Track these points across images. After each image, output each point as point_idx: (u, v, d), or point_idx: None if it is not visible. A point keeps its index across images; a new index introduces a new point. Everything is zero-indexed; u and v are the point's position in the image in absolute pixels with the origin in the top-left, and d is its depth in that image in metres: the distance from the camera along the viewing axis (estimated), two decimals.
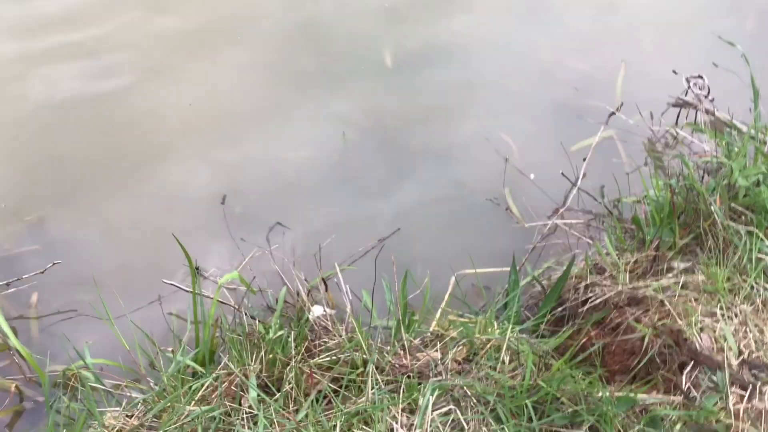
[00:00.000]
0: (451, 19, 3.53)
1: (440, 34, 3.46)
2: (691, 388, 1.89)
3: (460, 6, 3.59)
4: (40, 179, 2.91)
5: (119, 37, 3.43)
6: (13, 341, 2.31)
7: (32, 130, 3.07)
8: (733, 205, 2.25)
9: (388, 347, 2.00)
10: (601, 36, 3.49)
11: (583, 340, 2.13)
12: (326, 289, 2.38)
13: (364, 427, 1.75)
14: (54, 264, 2.50)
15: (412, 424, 1.76)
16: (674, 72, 3.12)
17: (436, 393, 1.81)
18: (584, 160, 2.92)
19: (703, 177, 2.43)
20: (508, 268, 2.39)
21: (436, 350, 1.98)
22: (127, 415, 1.95)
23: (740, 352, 1.93)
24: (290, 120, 3.11)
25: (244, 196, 2.87)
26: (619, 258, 2.30)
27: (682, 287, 2.08)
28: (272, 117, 3.12)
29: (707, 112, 2.96)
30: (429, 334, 2.11)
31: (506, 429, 1.75)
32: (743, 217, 2.25)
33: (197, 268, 2.51)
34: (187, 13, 3.53)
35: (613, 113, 3.06)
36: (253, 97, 3.23)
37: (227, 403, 1.84)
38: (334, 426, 1.75)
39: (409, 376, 1.90)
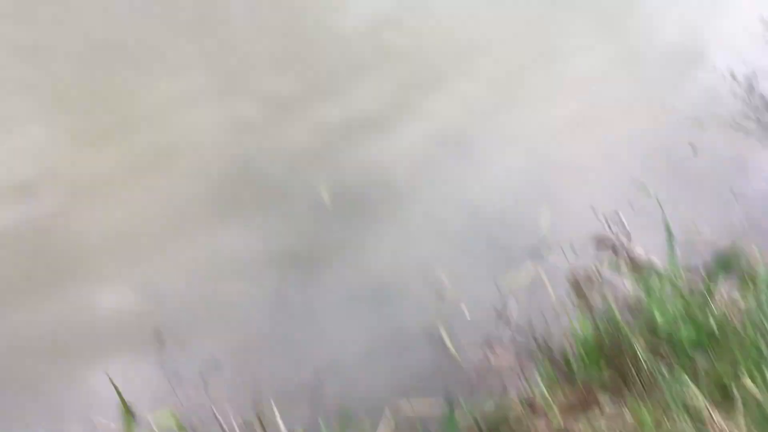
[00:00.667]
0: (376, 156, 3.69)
1: (371, 171, 3.61)
2: None
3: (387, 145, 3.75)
4: None
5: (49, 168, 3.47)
6: None
7: None
8: (654, 341, 2.38)
9: None
10: (525, 174, 3.69)
11: None
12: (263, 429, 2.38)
13: None
14: None
15: None
16: (592, 209, 3.34)
17: None
18: (511, 293, 3.05)
19: (624, 315, 2.58)
20: (443, 399, 2.43)
21: None
22: None
23: None
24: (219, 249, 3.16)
25: (175, 325, 2.86)
26: (550, 393, 2.39)
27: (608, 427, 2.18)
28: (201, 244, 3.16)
29: (625, 249, 3.15)
30: None
31: None
32: (664, 355, 2.38)
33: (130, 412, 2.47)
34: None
35: (535, 251, 3.22)
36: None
37: None
38: None
39: None
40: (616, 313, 2.43)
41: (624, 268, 2.99)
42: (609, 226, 3.25)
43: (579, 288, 3.22)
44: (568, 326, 2.66)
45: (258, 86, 4.07)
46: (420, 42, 4.42)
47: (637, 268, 3.09)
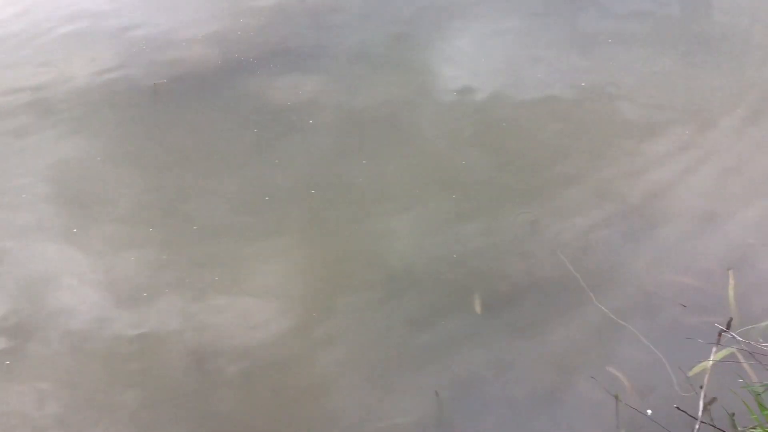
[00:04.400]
0: (533, 255, 3.52)
1: (528, 271, 3.45)
2: None
3: (541, 240, 3.59)
4: None
5: None
6: None
7: None
8: None
9: None
10: (703, 245, 3.35)
11: None
12: None
13: None
14: None
15: None
16: None
17: None
18: (701, 387, 2.71)
19: None
20: None
21: None
22: None
23: None
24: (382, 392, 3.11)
25: None
26: None
27: None
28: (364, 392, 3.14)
29: None
30: None
31: None
32: None
33: None
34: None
35: (722, 331, 2.86)
36: None
37: None
38: None
39: None
40: None
41: None
42: None
43: None
44: None
45: None
46: None
47: None
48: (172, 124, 4.44)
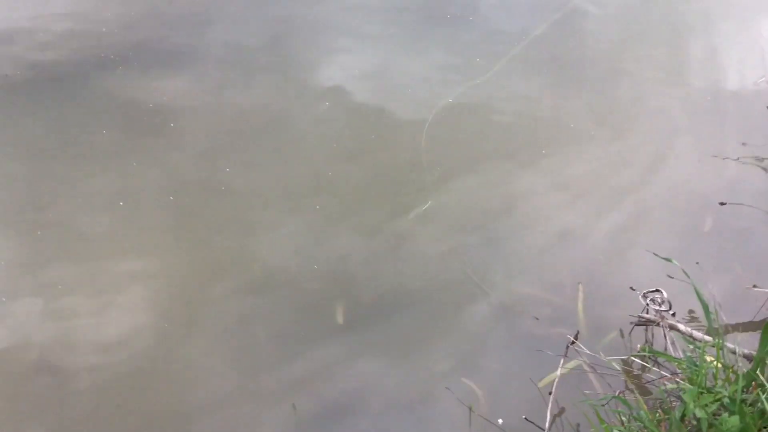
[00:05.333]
0: (398, 264, 3.55)
1: (389, 282, 3.48)
2: None
3: (407, 252, 3.63)
4: None
5: None
6: None
7: None
8: None
9: None
10: (554, 261, 3.49)
11: None
12: None
13: None
14: None
15: None
16: (631, 289, 3.11)
17: None
18: (550, 393, 2.83)
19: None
20: None
21: None
22: None
23: None
24: (239, 401, 3.06)
25: None
26: None
27: None
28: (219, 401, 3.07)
29: (670, 327, 2.89)
30: None
31: None
32: None
33: None
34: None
35: (572, 342, 2.99)
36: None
37: None
38: None
39: None
40: (646, 411, 2.17)
41: (661, 354, 2.71)
42: (648, 305, 2.99)
43: (632, 378, 2.96)
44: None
45: None
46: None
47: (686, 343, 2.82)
48: (26, 120, 4.20)
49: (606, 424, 2.26)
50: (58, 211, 3.73)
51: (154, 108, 4.24)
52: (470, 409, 2.92)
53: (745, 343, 2.86)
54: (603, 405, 2.70)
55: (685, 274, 2.57)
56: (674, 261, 2.67)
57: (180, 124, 4.17)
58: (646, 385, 2.89)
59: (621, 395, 2.64)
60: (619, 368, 2.93)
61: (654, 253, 2.90)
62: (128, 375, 3.13)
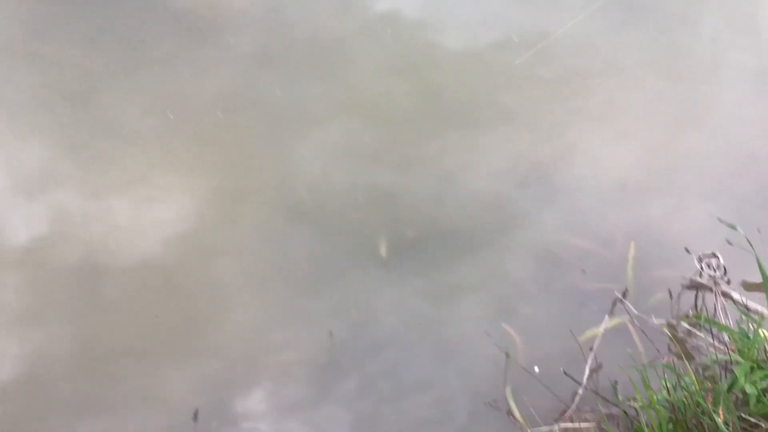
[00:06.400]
0: (444, 203, 3.49)
1: (437, 219, 3.43)
2: None
3: (455, 189, 3.56)
4: None
5: None
6: None
7: None
8: (743, 416, 2.06)
9: None
10: (609, 213, 3.40)
11: None
12: None
13: None
14: None
15: None
16: (686, 250, 3.02)
17: None
18: (591, 349, 2.79)
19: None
20: None
21: None
22: None
23: None
24: (273, 322, 3.06)
25: (223, 410, 2.79)
26: None
27: None
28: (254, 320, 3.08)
29: (724, 295, 2.81)
30: None
31: None
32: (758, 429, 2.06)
33: None
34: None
35: (618, 300, 2.93)
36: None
37: None
38: None
39: None
40: (695, 381, 2.11)
41: (711, 322, 2.64)
42: (703, 269, 2.90)
43: (677, 342, 2.90)
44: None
45: None
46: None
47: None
48: (82, 25, 4.17)
49: (651, 391, 2.21)
50: (105, 111, 3.74)
51: (210, 19, 4.18)
52: (507, 354, 2.89)
53: None
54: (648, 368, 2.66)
55: (749, 243, 2.47)
56: (739, 228, 2.57)
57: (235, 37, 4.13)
58: (692, 351, 2.83)
59: (669, 361, 2.60)
60: (668, 333, 2.87)
61: (719, 219, 2.79)
62: (164, 287, 3.16)
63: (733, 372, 2.15)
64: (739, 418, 2.07)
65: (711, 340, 2.65)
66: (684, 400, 2.13)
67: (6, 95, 3.83)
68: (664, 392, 2.22)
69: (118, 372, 2.88)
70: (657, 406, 2.17)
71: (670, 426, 2.12)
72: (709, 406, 2.05)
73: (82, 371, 2.90)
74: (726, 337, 2.60)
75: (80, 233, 3.30)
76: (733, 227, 2.59)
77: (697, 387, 2.12)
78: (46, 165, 3.54)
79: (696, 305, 2.99)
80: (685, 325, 2.82)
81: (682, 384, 2.16)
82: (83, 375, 2.89)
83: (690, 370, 2.22)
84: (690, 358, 2.81)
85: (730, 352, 2.31)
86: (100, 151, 3.60)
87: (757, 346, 2.23)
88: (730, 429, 2.01)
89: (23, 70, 3.95)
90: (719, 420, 2.00)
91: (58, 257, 3.22)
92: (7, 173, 3.50)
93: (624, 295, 2.97)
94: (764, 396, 2.08)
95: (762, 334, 2.29)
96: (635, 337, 2.92)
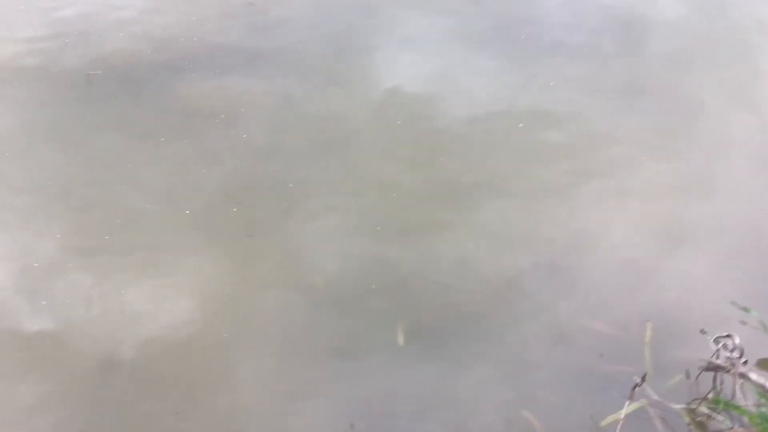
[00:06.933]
0: (457, 288, 3.54)
1: (451, 303, 3.47)
2: None
3: (467, 273, 3.62)
4: None
5: None
6: None
7: None
8: None
9: None
10: (623, 295, 3.44)
11: None
12: None
13: None
14: None
15: None
16: (702, 332, 3.05)
17: None
18: None
19: None
20: None
21: None
22: None
23: None
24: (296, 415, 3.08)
25: None
26: None
27: None
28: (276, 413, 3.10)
29: (741, 376, 2.83)
30: None
31: None
32: None
33: None
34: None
35: (637, 385, 2.95)
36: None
37: None
38: None
39: None
40: None
41: (732, 406, 2.65)
42: (719, 350, 2.93)
43: (698, 426, 2.90)
44: None
45: None
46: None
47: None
48: (103, 115, 4.34)
49: None
50: (125, 199, 3.87)
51: (224, 111, 4.35)
52: None
53: None
54: None
55: (763, 326, 2.50)
56: (753, 311, 2.60)
57: (248, 128, 4.27)
58: None
59: None
60: (687, 419, 2.88)
61: (732, 302, 2.83)
62: (183, 380, 3.18)
63: None
64: None
65: (731, 424, 2.65)
66: None
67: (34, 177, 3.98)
68: None
69: None
70: None
71: None
72: None
73: None
74: (746, 420, 2.61)
75: (95, 324, 3.34)
76: (746, 310, 2.63)
77: None
78: (60, 254, 3.62)
79: (714, 387, 2.99)
80: (703, 409, 2.82)
81: None
82: None
83: None
84: None
85: None
86: (114, 240, 3.68)
87: None
88: None
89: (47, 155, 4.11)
90: None
91: (72, 349, 3.25)
92: (22, 264, 3.57)
93: (643, 379, 2.98)
94: None
95: None
96: (656, 422, 2.93)
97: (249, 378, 3.20)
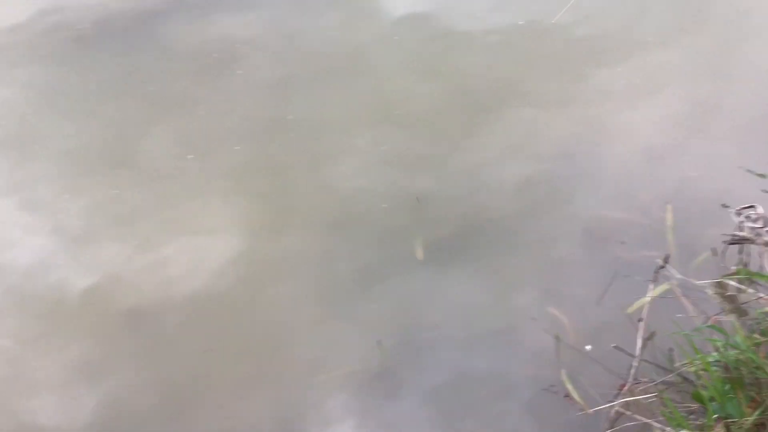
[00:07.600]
0: (477, 196, 3.50)
1: (470, 212, 3.44)
2: None
3: (486, 181, 3.57)
4: None
5: None
6: None
7: None
8: None
9: None
10: (640, 180, 3.37)
11: None
12: None
13: None
14: None
15: None
16: (723, 206, 2.98)
17: None
18: (640, 320, 2.76)
19: None
20: None
21: None
22: None
23: None
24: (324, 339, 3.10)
25: None
26: None
27: None
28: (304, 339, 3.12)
29: (767, 245, 2.76)
30: None
31: None
32: None
33: None
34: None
35: (661, 266, 2.90)
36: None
37: None
38: None
39: None
40: (744, 338, 2.08)
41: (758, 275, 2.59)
42: (743, 222, 2.86)
43: (727, 300, 2.85)
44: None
45: None
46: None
47: None
48: (102, 70, 4.32)
49: (701, 354, 2.19)
50: (143, 152, 3.89)
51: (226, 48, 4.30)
52: (557, 338, 2.89)
53: None
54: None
55: None
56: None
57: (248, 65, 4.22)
58: (743, 306, 2.79)
59: (715, 321, 2.56)
60: (711, 292, 2.83)
61: (747, 170, 2.75)
62: (218, 319, 3.22)
63: None
64: None
65: (758, 294, 2.61)
66: (737, 357, 2.10)
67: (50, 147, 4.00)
68: (714, 353, 2.19)
69: (188, 411, 2.94)
70: (710, 368, 2.15)
71: (728, 386, 2.09)
72: (762, 359, 2.03)
73: (154, 412, 2.96)
74: None
75: (132, 277, 3.39)
76: (763, 176, 2.55)
77: (748, 343, 2.09)
78: (93, 216, 3.67)
79: (741, 260, 2.94)
80: (731, 282, 2.77)
81: (731, 342, 2.13)
82: (157, 415, 2.95)
83: (739, 326, 2.19)
84: (743, 314, 2.77)
85: None
86: (140, 197, 3.71)
87: None
88: None
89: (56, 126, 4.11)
90: None
91: (114, 302, 3.30)
92: (58, 228, 3.62)
93: (666, 260, 2.93)
94: None
95: None
96: (684, 301, 2.89)
97: (280, 304, 3.23)
